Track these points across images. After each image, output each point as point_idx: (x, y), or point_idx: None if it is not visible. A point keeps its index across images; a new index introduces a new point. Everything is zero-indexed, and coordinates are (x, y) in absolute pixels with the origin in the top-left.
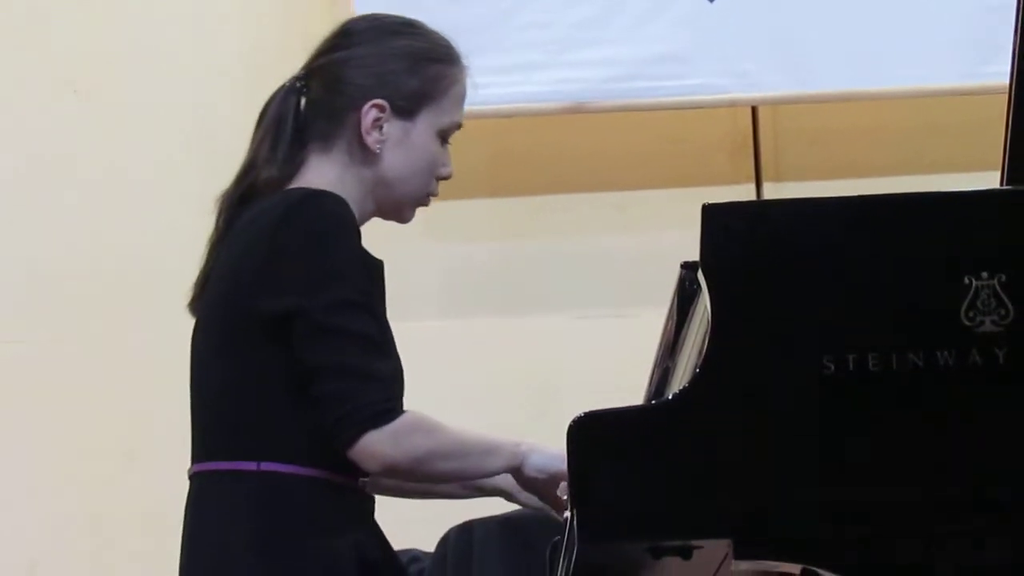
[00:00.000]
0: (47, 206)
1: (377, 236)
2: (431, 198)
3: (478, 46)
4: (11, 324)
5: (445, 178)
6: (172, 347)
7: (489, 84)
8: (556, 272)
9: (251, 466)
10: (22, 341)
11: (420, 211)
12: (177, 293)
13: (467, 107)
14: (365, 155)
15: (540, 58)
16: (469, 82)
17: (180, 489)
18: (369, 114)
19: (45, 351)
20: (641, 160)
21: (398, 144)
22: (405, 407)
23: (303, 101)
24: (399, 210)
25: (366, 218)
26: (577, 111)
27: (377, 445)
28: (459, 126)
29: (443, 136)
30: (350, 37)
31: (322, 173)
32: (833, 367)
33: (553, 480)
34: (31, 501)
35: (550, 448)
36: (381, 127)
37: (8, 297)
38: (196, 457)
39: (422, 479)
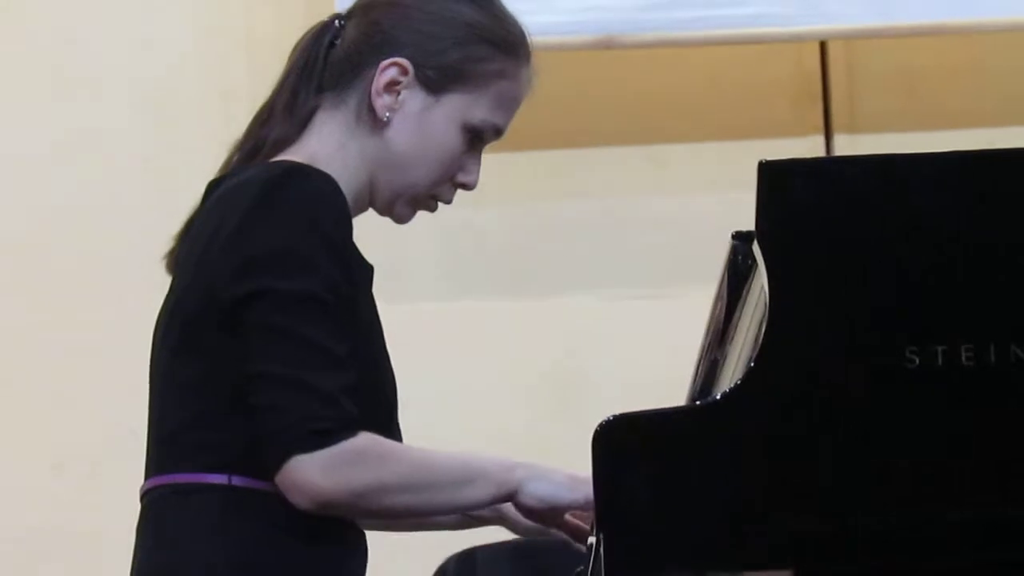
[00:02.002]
0: None
1: None
2: (436, 203)
3: None
4: None
5: (464, 187)
6: (109, 342)
7: None
8: (581, 243)
9: (221, 479)
10: None
11: None
12: (121, 278)
13: None
14: (373, 121)
15: None
16: (531, 93)
17: (116, 504)
18: (387, 72)
19: None
20: (684, 106)
21: (410, 119)
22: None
23: (337, 42)
24: (393, 201)
25: (363, 202)
26: (607, 46)
27: (304, 473)
28: (498, 132)
29: (472, 134)
30: None
31: (324, 136)
32: (918, 360)
33: (555, 512)
34: None
35: (554, 473)
36: (398, 93)
37: None
38: (153, 470)
39: (373, 516)
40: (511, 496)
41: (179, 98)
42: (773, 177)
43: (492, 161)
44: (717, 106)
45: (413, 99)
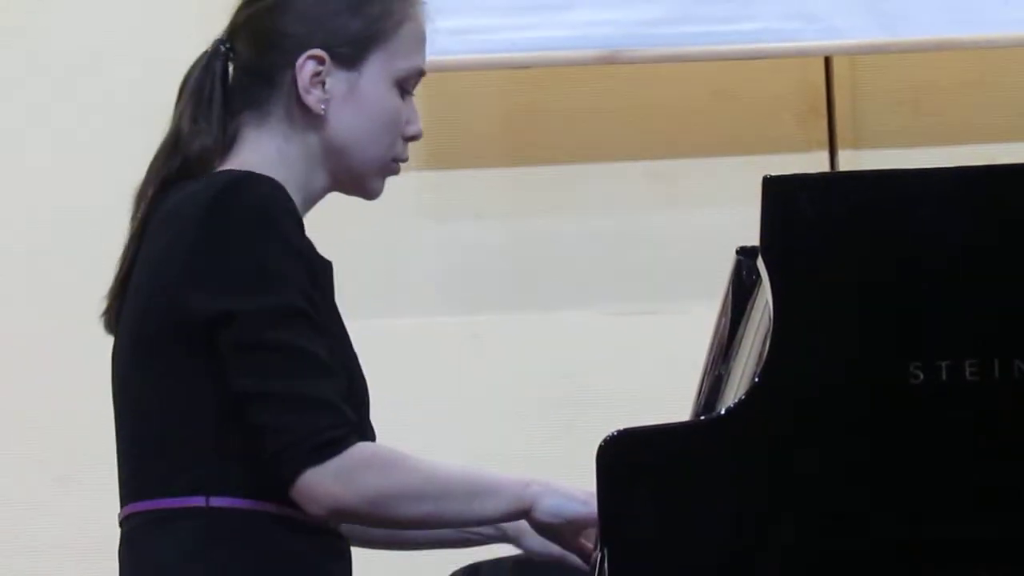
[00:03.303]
0: None
1: (366, 215)
2: (400, 164)
3: None
4: None
5: (413, 138)
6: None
7: (499, 28)
8: (584, 258)
9: (198, 502)
10: None
11: (418, 184)
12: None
13: (473, 56)
14: (309, 119)
15: None
16: (429, 24)
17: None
18: (305, 68)
19: None
20: (688, 122)
21: (345, 100)
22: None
23: (230, 67)
24: (361, 182)
25: (318, 195)
26: (611, 61)
27: (320, 484)
28: (421, 73)
29: (402, 86)
30: None
31: (259, 149)
32: (922, 376)
33: (572, 526)
34: None
35: (569, 488)
36: (323, 83)
37: None
38: (128, 497)
39: (386, 524)
40: (526, 512)
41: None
42: (777, 192)
43: (496, 176)
44: (721, 121)
45: (338, 82)
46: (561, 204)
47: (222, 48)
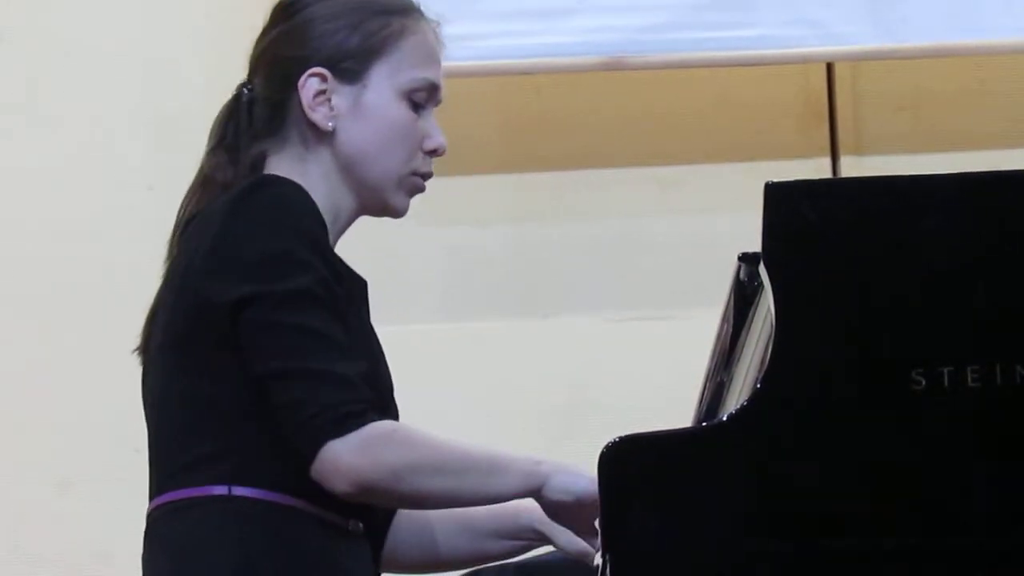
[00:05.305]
0: None
1: (366, 221)
2: (423, 180)
3: None
4: None
5: (435, 152)
6: (113, 361)
7: (500, 34)
8: (587, 264)
9: (221, 490)
10: None
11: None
12: (126, 297)
13: (475, 62)
14: (320, 137)
15: (565, 1)
16: (440, 39)
17: (120, 524)
18: (308, 86)
19: None
20: (691, 128)
21: (353, 115)
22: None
23: (253, 103)
24: (382, 197)
25: (347, 217)
26: (612, 67)
27: (342, 456)
28: (433, 86)
29: (412, 99)
30: (283, 11)
31: (281, 171)
32: (924, 382)
33: (582, 506)
34: None
35: (579, 468)
36: (329, 100)
37: None
38: (156, 490)
39: (407, 500)
40: (538, 490)
41: (184, 123)
42: (779, 198)
43: (499, 182)
44: (723, 127)
45: (343, 97)
46: (563, 210)
47: (244, 90)
